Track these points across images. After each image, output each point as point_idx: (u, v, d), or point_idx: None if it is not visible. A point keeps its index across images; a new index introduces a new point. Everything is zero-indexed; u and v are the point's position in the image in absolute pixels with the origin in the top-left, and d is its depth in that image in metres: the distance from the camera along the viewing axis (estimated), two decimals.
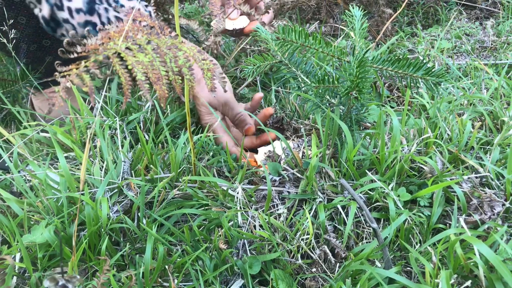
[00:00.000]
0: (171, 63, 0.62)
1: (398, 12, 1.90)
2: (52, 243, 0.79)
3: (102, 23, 1.07)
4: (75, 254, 0.76)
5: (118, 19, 1.09)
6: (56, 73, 0.52)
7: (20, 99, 1.51)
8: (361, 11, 0.94)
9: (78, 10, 1.05)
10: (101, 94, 1.26)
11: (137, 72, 0.55)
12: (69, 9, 1.05)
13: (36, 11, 1.07)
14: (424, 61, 0.87)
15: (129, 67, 0.55)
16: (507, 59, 1.63)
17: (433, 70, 0.85)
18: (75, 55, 0.53)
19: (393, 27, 2.03)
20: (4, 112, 1.47)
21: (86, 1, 1.06)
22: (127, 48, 0.57)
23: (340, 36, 1.95)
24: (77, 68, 0.51)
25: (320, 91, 0.95)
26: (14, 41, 1.28)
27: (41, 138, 1.12)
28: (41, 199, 0.90)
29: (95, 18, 1.07)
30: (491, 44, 1.83)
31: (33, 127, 1.14)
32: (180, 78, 0.63)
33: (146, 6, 1.14)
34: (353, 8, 0.94)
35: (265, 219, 0.87)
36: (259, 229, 0.90)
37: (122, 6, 1.10)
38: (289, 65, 1.02)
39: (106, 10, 1.07)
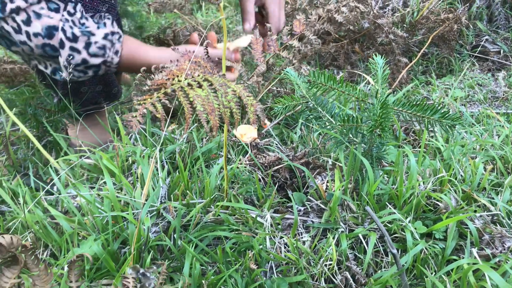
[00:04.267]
0: (222, 97, 0.72)
1: (414, 61, 2.02)
2: (100, 256, 0.87)
3: (61, 44, 1.15)
4: (122, 266, 0.84)
5: (83, 34, 1.18)
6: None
7: (60, 128, 1.62)
8: (383, 58, 1.05)
9: (36, 34, 1.13)
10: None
11: (197, 104, 0.65)
12: (27, 33, 1.12)
13: None
14: (440, 106, 0.96)
15: (191, 99, 0.65)
16: None
17: (448, 114, 0.94)
18: (147, 87, 0.64)
19: (408, 75, 2.14)
20: (44, 140, 1.58)
21: (45, 27, 1.13)
22: (188, 84, 0.68)
23: (357, 82, 2.06)
24: (150, 98, 0.61)
25: (344, 130, 1.05)
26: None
27: (84, 164, 1.22)
28: (88, 217, 0.98)
29: (54, 41, 1.14)
30: (503, 95, 1.93)
31: (77, 154, 1.24)
32: (229, 110, 0.73)
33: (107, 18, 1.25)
34: (375, 56, 1.05)
35: (293, 243, 0.95)
36: (287, 253, 0.97)
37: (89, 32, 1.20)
38: (315, 105, 1.12)
39: (71, 28, 1.16)
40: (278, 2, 1.45)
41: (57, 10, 1.14)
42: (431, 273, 0.95)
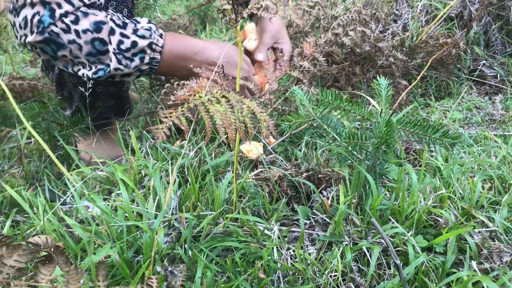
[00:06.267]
0: (238, 113, 0.77)
1: (413, 84, 2.08)
2: (116, 263, 0.91)
3: (112, 31, 1.22)
4: (136, 276, 0.88)
5: (131, 21, 1.27)
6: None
7: (70, 143, 1.67)
8: (387, 80, 1.10)
9: (85, 31, 1.20)
10: (148, 143, 1.42)
11: (217, 118, 0.70)
12: (76, 31, 1.19)
13: (22, 39, 1.21)
14: (440, 126, 1.01)
15: (211, 113, 0.70)
16: None
17: (448, 133, 0.99)
18: (171, 102, 0.69)
19: (408, 97, 2.21)
20: (55, 154, 1.63)
21: (92, 22, 1.20)
22: (208, 100, 0.73)
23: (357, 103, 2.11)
24: (175, 112, 0.66)
25: (349, 147, 1.10)
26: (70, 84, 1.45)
27: (97, 176, 1.27)
28: (102, 226, 1.02)
29: (102, 35, 1.21)
30: (500, 117, 1.99)
31: (89, 166, 1.28)
32: (244, 125, 0.78)
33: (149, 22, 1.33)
34: (379, 77, 1.11)
35: (301, 254, 0.99)
36: (294, 263, 1.02)
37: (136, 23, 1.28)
38: (321, 123, 1.17)
39: (119, 19, 1.24)
40: (289, 44, 1.57)
41: (100, 10, 1.23)
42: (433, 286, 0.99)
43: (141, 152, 1.40)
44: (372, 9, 2.40)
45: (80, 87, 1.46)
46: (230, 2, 0.69)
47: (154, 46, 1.28)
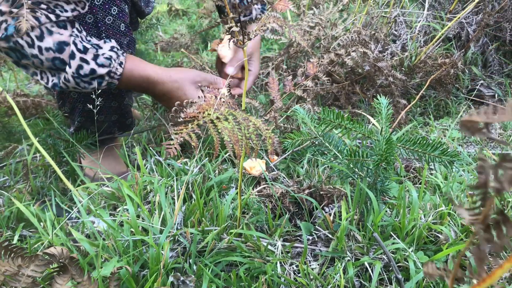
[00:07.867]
0: (244, 130, 0.80)
1: (412, 103, 2.11)
2: (123, 277, 0.93)
3: (72, 55, 1.24)
4: None
5: (93, 46, 1.28)
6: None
7: (75, 159, 1.69)
8: (387, 99, 1.13)
9: (48, 49, 1.22)
10: (152, 159, 1.45)
11: (225, 135, 0.73)
12: (39, 47, 1.21)
13: None
14: (439, 144, 1.04)
15: (219, 130, 0.73)
16: None
17: (447, 150, 1.02)
18: (181, 119, 0.72)
19: (407, 116, 2.24)
20: (60, 170, 1.65)
21: (56, 42, 1.22)
22: (217, 117, 0.76)
23: (357, 121, 2.15)
24: (186, 129, 0.68)
25: (350, 165, 1.13)
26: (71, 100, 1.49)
27: (103, 192, 1.29)
28: (108, 241, 1.04)
29: (63, 55, 1.23)
30: (498, 136, 2.02)
31: (95, 182, 1.31)
32: (249, 142, 0.81)
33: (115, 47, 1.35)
34: (380, 97, 1.14)
35: (304, 269, 1.01)
36: (298, 278, 1.03)
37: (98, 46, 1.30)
38: (323, 141, 1.20)
39: (81, 42, 1.26)
40: (256, 67, 1.62)
41: (65, 27, 1.24)
42: None
43: (146, 168, 1.42)
44: (372, 29, 2.45)
45: (81, 103, 1.49)
46: (238, 25, 0.72)
47: (112, 74, 1.30)
